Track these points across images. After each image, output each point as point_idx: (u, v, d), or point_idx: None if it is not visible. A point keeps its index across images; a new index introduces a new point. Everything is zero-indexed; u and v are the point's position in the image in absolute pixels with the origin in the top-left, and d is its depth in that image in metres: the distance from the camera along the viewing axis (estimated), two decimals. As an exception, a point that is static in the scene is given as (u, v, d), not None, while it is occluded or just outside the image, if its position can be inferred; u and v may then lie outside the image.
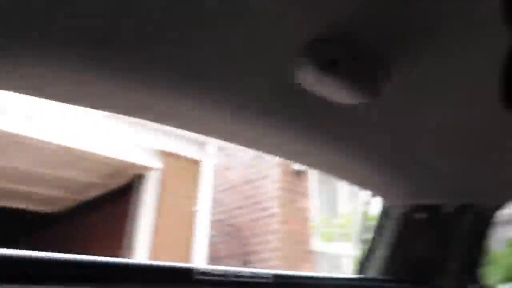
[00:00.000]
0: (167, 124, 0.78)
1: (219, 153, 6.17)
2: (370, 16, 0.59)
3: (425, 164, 1.11)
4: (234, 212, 6.03)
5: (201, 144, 5.79)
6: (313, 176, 6.29)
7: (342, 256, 6.14)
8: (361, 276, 1.40)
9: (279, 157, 1.00)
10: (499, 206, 1.42)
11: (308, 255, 5.59)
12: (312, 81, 0.63)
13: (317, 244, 5.91)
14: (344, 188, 6.81)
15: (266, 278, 0.77)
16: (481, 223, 1.43)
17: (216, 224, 5.86)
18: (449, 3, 0.57)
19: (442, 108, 0.84)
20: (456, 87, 0.77)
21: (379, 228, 1.44)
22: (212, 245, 5.44)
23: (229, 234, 5.62)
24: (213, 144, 5.82)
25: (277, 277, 0.81)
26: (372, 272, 1.46)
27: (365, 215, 1.52)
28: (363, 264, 1.46)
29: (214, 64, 0.66)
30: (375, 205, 1.65)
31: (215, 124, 0.80)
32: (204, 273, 0.68)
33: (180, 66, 0.65)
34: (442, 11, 0.58)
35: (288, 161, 5.70)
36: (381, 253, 1.46)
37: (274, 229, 5.46)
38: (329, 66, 0.60)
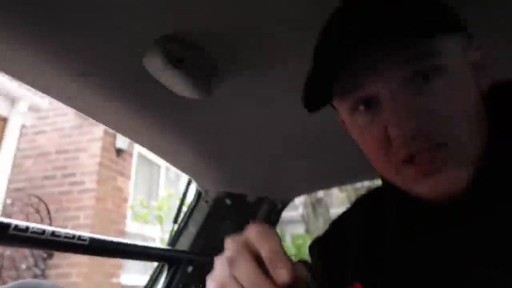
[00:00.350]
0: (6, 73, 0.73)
1: (31, 114, 5.46)
2: (209, 23, 0.69)
3: (237, 159, 1.31)
4: (40, 182, 5.45)
5: (12, 100, 5.05)
6: (135, 156, 6.20)
7: (154, 238, 6.25)
8: (170, 247, 1.54)
9: (113, 129, 1.05)
10: (288, 200, 1.77)
11: (120, 235, 5.49)
12: (157, 72, 0.72)
13: (130, 225, 5.86)
14: (165, 172, 6.93)
15: (83, 240, 0.82)
16: (273, 213, 1.76)
17: (15, 192, 5.20)
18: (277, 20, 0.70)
19: (258, 112, 1.03)
20: (272, 94, 0.96)
21: (192, 208, 1.62)
22: (7, 215, 4.81)
23: (31, 205, 5.05)
24: (26, 102, 5.13)
25: (93, 241, 0.86)
26: (181, 247, 1.63)
27: (182, 200, 1.67)
28: (174, 238, 1.60)
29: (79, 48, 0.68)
30: (192, 190, 1.82)
31: (50, 80, 0.77)
32: (20, 229, 0.69)
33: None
34: (269, 27, 0.69)
35: (111, 138, 5.48)
36: (191, 230, 1.64)
37: (87, 206, 5.18)
38: (172, 62, 0.69)
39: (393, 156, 0.42)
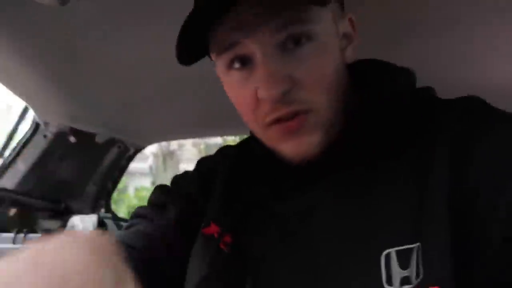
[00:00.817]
0: None
1: None
2: None
3: (90, 92, 1.13)
4: None
5: None
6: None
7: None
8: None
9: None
10: (143, 146, 1.66)
11: None
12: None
13: None
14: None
15: None
16: (124, 159, 1.63)
17: None
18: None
19: (125, 38, 0.87)
20: (143, 22, 0.83)
21: (25, 142, 1.37)
22: None
23: None
24: None
25: None
26: (8, 183, 1.38)
27: (13, 130, 1.40)
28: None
29: None
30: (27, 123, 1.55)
31: None
32: None
33: None
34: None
35: None
36: (20, 167, 1.39)
37: None
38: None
39: (261, 117, 0.45)
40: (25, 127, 1.47)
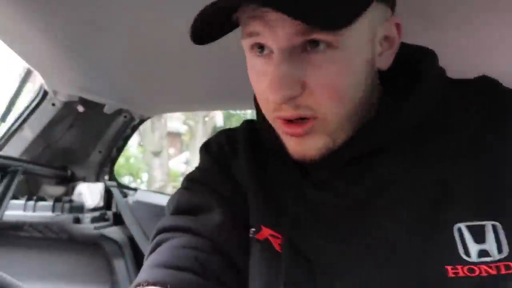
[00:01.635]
0: None
1: None
2: None
3: (100, 62, 1.10)
4: None
5: None
6: None
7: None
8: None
9: None
10: (148, 116, 1.66)
11: None
12: None
13: None
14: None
15: None
16: (129, 128, 1.63)
17: None
18: None
19: (137, 13, 0.83)
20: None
21: (33, 109, 1.36)
22: None
23: None
24: None
25: None
26: (13, 150, 1.37)
27: (15, 94, 1.38)
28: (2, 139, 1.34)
29: None
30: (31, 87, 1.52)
31: None
32: None
33: None
34: None
35: None
36: (27, 134, 1.39)
37: None
38: None
39: (271, 108, 0.44)
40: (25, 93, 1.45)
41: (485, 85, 0.47)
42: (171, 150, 6.21)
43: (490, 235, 0.39)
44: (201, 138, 5.08)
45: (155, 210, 1.55)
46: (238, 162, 0.55)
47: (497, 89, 0.46)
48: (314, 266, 0.45)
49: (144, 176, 5.13)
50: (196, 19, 0.41)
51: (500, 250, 0.39)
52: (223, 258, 0.48)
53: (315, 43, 0.40)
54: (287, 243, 0.47)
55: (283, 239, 0.47)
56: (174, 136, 6.27)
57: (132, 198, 1.63)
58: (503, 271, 0.39)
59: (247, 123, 0.60)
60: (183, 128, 6.02)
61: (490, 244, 0.39)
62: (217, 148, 0.58)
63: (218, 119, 6.80)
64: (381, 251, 0.42)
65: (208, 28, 0.43)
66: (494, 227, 0.40)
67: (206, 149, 0.59)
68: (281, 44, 0.40)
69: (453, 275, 0.39)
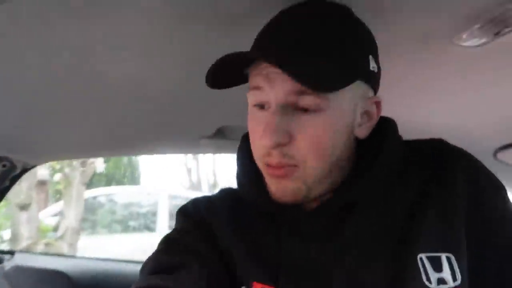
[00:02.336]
0: None
1: None
2: None
3: None
4: None
5: None
6: None
7: None
8: None
9: None
10: (33, 165, 1.44)
11: None
12: None
13: None
14: None
15: None
16: (8, 179, 1.38)
17: None
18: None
19: (35, 40, 0.72)
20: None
21: None
22: None
23: None
24: None
25: None
26: None
27: None
28: None
29: None
30: None
31: None
32: None
33: None
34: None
35: None
36: None
37: None
38: None
39: (260, 154, 0.51)
40: None
41: (434, 144, 0.57)
42: (39, 201, 5.48)
43: (445, 265, 0.47)
44: (78, 186, 4.60)
45: (42, 276, 1.32)
46: (218, 223, 0.57)
47: (443, 148, 0.56)
48: None
49: (6, 234, 4.37)
50: (212, 68, 0.48)
51: (454, 279, 0.47)
52: None
53: (304, 107, 0.47)
54: None
55: None
56: (41, 185, 5.57)
57: (9, 263, 1.36)
58: None
59: (226, 189, 0.64)
60: (55, 176, 5.40)
61: (446, 273, 0.47)
62: (195, 210, 0.60)
63: (99, 164, 6.30)
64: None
65: (223, 77, 0.50)
66: (448, 258, 0.48)
67: (183, 211, 0.61)
68: (279, 98, 0.47)
69: None
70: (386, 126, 0.55)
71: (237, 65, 0.49)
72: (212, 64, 0.47)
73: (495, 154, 1.21)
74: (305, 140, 0.47)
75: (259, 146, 0.50)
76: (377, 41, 0.54)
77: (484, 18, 0.60)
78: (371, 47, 0.52)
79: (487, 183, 0.54)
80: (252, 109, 0.51)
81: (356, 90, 0.50)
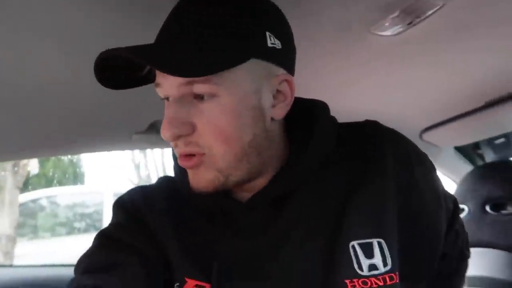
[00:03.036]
0: None
1: None
2: None
3: None
4: None
5: None
6: None
7: None
8: None
9: None
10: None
11: None
12: None
13: None
14: None
15: None
16: None
17: None
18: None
19: None
20: None
21: None
22: None
23: None
24: None
25: None
26: None
27: None
28: None
29: None
30: None
31: None
32: None
33: None
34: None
35: None
36: None
37: None
38: None
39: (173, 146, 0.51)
40: None
41: (368, 126, 0.57)
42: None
43: (376, 251, 0.48)
44: (11, 191, 4.31)
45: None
46: (155, 216, 0.56)
47: (376, 129, 0.57)
48: None
49: None
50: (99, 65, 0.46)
51: (385, 264, 0.48)
52: None
53: (199, 95, 0.46)
54: None
55: (211, 287, 0.49)
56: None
57: None
58: (388, 282, 0.47)
59: (164, 178, 0.62)
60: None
61: (377, 259, 0.48)
62: (131, 203, 0.58)
63: (33, 166, 5.93)
64: (298, 285, 0.49)
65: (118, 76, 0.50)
66: (379, 243, 0.49)
67: (119, 204, 0.59)
68: (173, 92, 0.47)
69: None
70: (316, 109, 0.55)
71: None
72: (94, 67, 0.46)
73: (420, 135, 1.29)
74: (206, 128, 0.47)
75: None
76: (297, 29, 0.53)
77: (398, 8, 0.63)
78: (268, 24, 0.49)
79: (417, 163, 0.55)
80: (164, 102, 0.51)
81: (255, 70, 0.48)
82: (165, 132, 0.46)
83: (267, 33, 0.48)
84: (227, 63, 0.45)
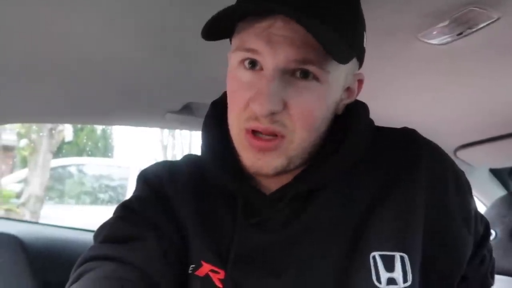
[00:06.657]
0: None
1: None
2: None
3: None
4: None
5: None
6: None
7: None
8: None
9: None
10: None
11: None
12: None
13: None
14: None
15: None
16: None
17: None
18: None
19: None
20: None
21: None
22: None
23: None
24: None
25: None
26: None
27: None
28: None
29: None
30: None
31: None
32: None
33: None
34: None
35: None
36: None
37: None
38: None
39: (243, 120, 0.47)
40: None
41: (406, 133, 0.54)
42: (3, 167, 5.32)
43: (398, 265, 0.46)
44: (45, 154, 4.48)
45: None
46: (179, 196, 0.54)
47: (414, 139, 0.54)
48: None
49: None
50: (216, 15, 0.43)
51: (405, 280, 0.45)
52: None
53: (305, 73, 0.44)
54: (229, 279, 0.47)
55: (225, 275, 0.48)
56: (7, 150, 5.40)
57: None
58: None
59: (190, 157, 0.60)
60: (22, 142, 5.24)
61: (397, 273, 0.45)
62: (156, 178, 0.56)
63: (67, 133, 6.15)
64: (311, 285, 0.47)
65: (217, 28, 0.45)
66: (402, 258, 0.46)
67: (144, 177, 0.57)
68: (279, 64, 0.44)
69: None
70: (357, 108, 0.53)
71: (231, 18, 0.45)
72: (218, 12, 0.43)
73: (455, 152, 1.25)
74: (298, 108, 0.45)
75: (240, 111, 0.47)
76: None
77: (449, 17, 0.61)
78: (363, 22, 0.50)
79: (453, 180, 0.52)
80: (237, 67, 0.47)
81: (350, 67, 0.48)
82: (261, 108, 0.43)
83: (364, 33, 0.49)
84: (354, 55, 0.46)
